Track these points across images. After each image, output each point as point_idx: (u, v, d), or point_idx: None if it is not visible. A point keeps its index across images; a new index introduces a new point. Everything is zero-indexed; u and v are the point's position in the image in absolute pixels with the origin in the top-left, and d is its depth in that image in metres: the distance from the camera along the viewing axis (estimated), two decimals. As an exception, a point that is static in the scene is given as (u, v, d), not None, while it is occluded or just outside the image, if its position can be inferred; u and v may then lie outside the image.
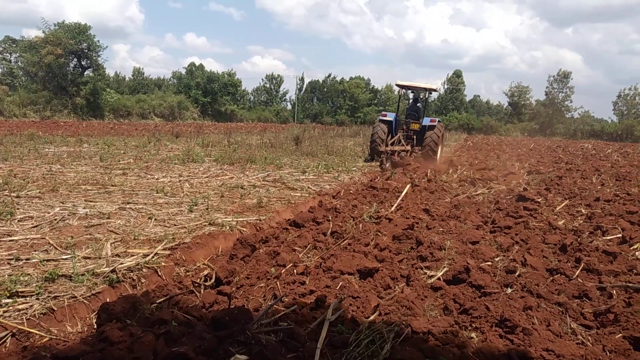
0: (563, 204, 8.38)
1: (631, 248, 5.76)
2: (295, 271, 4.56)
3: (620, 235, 6.33)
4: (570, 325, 3.76)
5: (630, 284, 4.45)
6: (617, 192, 10.05)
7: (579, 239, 6.13)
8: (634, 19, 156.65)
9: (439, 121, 16.24)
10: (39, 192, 7.52)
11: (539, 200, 8.70)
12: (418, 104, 17.47)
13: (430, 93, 17.77)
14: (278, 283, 4.23)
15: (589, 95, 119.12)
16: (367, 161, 15.65)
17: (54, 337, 3.32)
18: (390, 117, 16.28)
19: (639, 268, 4.97)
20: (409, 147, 15.43)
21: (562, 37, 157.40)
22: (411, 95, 18.41)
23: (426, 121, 16.12)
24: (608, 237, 6.33)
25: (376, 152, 15.18)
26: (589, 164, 17.50)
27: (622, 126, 57.79)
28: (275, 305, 3.56)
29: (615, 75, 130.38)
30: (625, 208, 7.99)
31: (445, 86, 71.79)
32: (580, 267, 4.99)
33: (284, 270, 4.58)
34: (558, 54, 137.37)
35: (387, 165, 13.81)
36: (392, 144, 15.37)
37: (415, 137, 16.09)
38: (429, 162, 14.42)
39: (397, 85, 17.36)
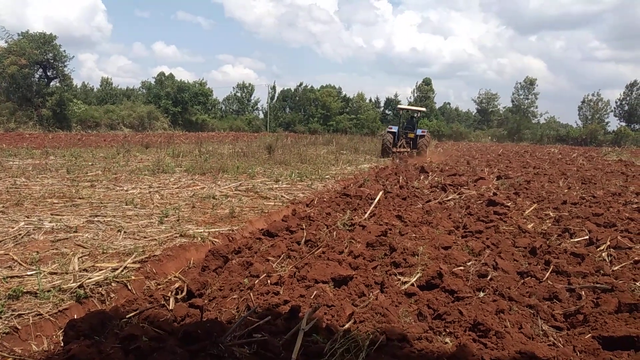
0: (532, 208, 8.55)
1: (598, 249, 5.91)
2: (268, 281, 4.51)
3: (587, 237, 6.49)
4: (541, 327, 3.82)
5: (598, 285, 4.56)
6: (583, 195, 10.32)
7: (547, 242, 6.26)
8: (594, 26, 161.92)
9: (427, 131, 24.96)
10: (3, 207, 7.28)
11: (509, 204, 8.85)
12: (413, 120, 25.53)
13: (421, 113, 26.59)
14: (251, 294, 4.17)
15: (553, 101, 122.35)
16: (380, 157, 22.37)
17: (18, 356, 3.19)
18: (394, 129, 23.58)
19: (606, 269, 5.10)
20: (408, 149, 22.98)
21: (527, 45, 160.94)
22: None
23: (418, 132, 23.59)
24: (576, 239, 6.48)
25: (387, 152, 22.47)
26: (555, 168, 17.96)
27: (587, 131, 59.57)
28: (248, 317, 3.51)
29: (578, 81, 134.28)
30: (591, 210, 8.21)
31: (415, 94, 72.82)
32: (550, 270, 5.09)
33: (257, 280, 4.53)
34: (523, 61, 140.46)
35: (397, 160, 20.83)
36: (398, 147, 22.81)
37: (411, 142, 23.29)
38: (422, 158, 21.32)
39: (398, 108, 29.22)
